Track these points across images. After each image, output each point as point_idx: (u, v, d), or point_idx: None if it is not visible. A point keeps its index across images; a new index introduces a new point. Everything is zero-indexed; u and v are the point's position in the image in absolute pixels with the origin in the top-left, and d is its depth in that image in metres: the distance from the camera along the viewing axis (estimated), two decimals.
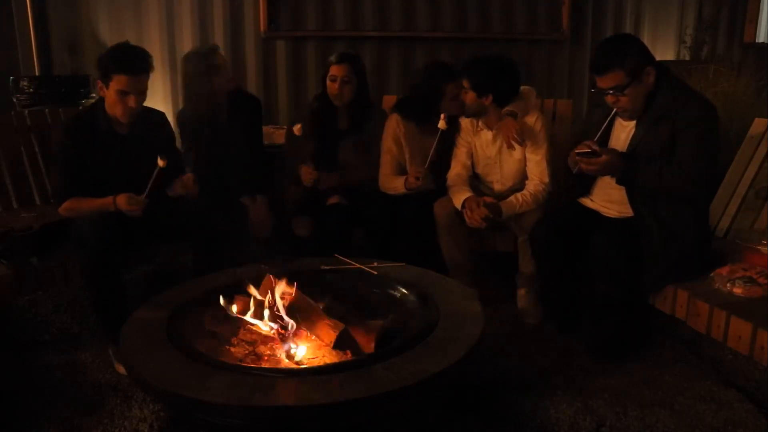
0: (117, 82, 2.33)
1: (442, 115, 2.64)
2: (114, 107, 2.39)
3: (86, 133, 2.43)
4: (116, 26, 3.96)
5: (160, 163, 2.35)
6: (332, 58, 2.92)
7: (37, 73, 3.86)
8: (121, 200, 2.31)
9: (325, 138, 2.96)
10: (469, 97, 2.66)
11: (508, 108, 2.66)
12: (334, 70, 2.87)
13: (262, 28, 4.05)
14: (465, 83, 2.66)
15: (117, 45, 2.44)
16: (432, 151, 2.66)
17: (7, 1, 3.82)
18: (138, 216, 2.31)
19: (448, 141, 2.83)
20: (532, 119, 2.67)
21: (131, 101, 2.35)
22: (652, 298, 2.32)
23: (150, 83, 2.42)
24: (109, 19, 3.95)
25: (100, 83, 2.38)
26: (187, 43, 3.97)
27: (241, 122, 2.94)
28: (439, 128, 2.64)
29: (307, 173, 2.88)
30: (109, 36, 3.93)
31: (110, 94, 2.37)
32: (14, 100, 3.58)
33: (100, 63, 2.37)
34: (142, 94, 2.39)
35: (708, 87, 3.45)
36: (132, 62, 2.34)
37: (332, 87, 2.88)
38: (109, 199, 2.33)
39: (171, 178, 2.51)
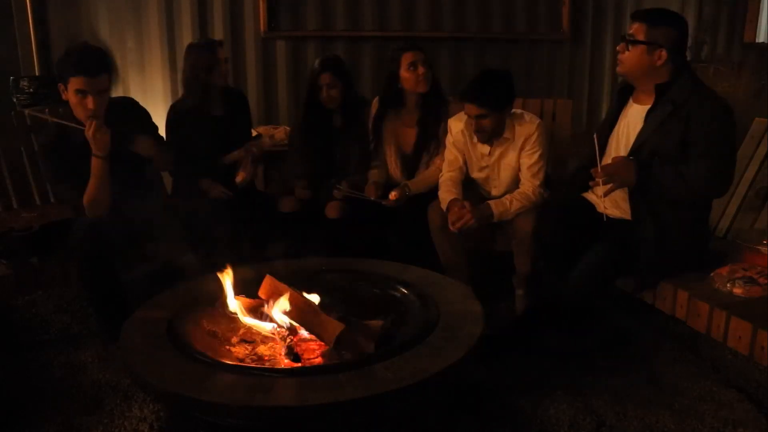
0: (74, 83, 2.32)
1: (391, 194, 2.78)
2: (76, 109, 2.38)
3: (57, 136, 2.43)
4: (116, 26, 3.96)
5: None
6: (316, 65, 2.97)
7: (37, 73, 3.86)
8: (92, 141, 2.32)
9: (322, 140, 3.02)
10: (489, 122, 2.56)
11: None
12: (322, 79, 2.92)
13: (262, 28, 4.05)
14: (478, 110, 2.53)
15: (73, 47, 2.41)
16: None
17: (7, 1, 3.82)
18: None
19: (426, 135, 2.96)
20: (533, 126, 2.63)
21: (89, 102, 2.32)
22: (652, 298, 2.32)
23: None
24: (109, 19, 3.95)
25: (61, 86, 2.37)
26: (186, 44, 3.97)
27: (230, 117, 2.99)
28: (384, 204, 2.78)
29: (300, 193, 2.99)
30: (109, 36, 3.93)
31: (71, 97, 2.36)
32: (14, 100, 3.58)
33: (59, 66, 2.36)
34: (102, 93, 2.36)
35: None
36: (88, 64, 2.32)
37: (323, 93, 2.94)
38: (93, 161, 2.34)
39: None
